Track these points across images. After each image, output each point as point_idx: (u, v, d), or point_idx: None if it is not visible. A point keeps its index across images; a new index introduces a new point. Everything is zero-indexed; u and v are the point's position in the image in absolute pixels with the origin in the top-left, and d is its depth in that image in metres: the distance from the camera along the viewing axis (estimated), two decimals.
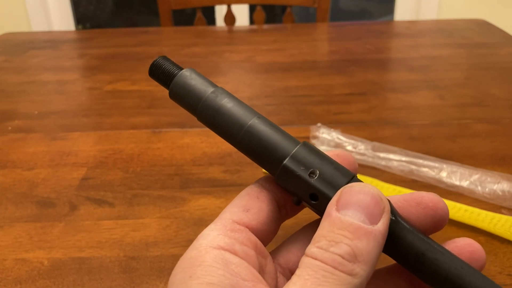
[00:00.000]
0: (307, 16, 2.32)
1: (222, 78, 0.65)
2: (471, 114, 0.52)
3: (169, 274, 0.31)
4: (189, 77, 0.17)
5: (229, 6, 1.04)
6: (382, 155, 0.42)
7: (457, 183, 0.38)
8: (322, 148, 0.44)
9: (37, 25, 1.78)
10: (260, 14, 1.03)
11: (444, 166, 0.40)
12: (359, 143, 0.44)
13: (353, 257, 0.13)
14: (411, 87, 0.60)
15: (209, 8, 1.73)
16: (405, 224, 0.15)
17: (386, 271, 0.17)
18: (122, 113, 0.55)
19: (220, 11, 1.77)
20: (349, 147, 0.44)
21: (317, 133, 0.46)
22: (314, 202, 0.15)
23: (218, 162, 0.44)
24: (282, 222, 0.17)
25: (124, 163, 0.44)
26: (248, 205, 0.16)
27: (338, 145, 0.44)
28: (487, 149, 0.45)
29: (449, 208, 0.35)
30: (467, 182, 0.38)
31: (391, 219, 0.15)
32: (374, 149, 0.43)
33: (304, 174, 0.15)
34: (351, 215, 0.14)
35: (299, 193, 0.15)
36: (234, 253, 0.14)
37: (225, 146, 0.47)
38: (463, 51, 0.73)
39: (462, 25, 0.86)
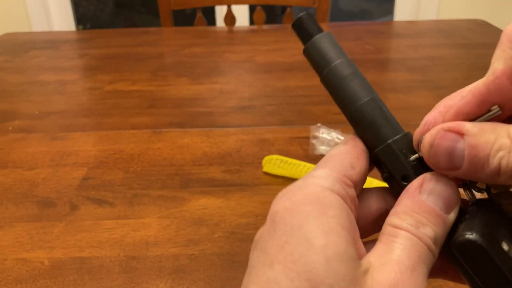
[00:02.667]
0: None
1: (222, 78, 0.65)
2: None
3: (169, 273, 0.31)
4: (325, 42, 0.18)
5: (229, 7, 1.04)
6: None
7: None
8: (322, 148, 0.44)
9: (38, 26, 1.78)
10: (260, 14, 1.03)
11: None
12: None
13: (434, 241, 0.15)
14: (410, 87, 0.60)
15: (209, 9, 1.74)
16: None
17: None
18: (123, 113, 0.55)
19: (220, 11, 1.77)
20: None
21: (317, 133, 0.46)
22: (404, 183, 0.17)
23: (218, 162, 0.44)
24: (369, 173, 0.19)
25: (124, 163, 0.44)
26: (353, 163, 0.17)
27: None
28: None
29: None
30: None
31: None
32: None
33: (403, 156, 0.17)
34: (433, 201, 0.15)
35: (393, 170, 0.17)
36: (348, 205, 0.15)
37: (225, 146, 0.47)
38: (462, 51, 0.73)
39: (462, 26, 0.86)
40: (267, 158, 0.42)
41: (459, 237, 0.15)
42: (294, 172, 0.41)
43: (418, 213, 0.15)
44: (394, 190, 0.17)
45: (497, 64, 0.16)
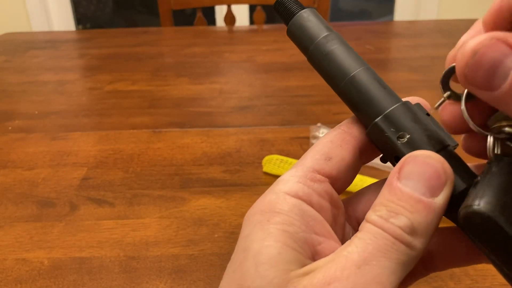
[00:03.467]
0: None
1: (222, 78, 0.65)
2: None
3: (169, 273, 0.31)
4: (306, 18, 0.17)
5: (229, 6, 1.04)
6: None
7: None
8: None
9: (37, 26, 1.78)
10: (260, 14, 1.03)
11: None
12: None
13: (412, 230, 0.13)
14: (411, 87, 0.60)
15: (209, 9, 1.74)
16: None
17: (445, 230, 0.17)
18: (122, 113, 0.55)
19: (220, 11, 1.77)
20: None
21: (317, 133, 0.46)
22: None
23: (218, 162, 0.44)
24: (361, 167, 0.17)
25: (124, 163, 0.44)
26: (331, 154, 0.16)
27: None
28: None
29: None
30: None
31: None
32: None
33: (393, 135, 0.15)
34: (412, 186, 0.13)
35: (385, 153, 0.16)
36: (311, 204, 0.14)
37: (225, 146, 0.47)
38: None
39: (462, 25, 0.86)
40: (267, 158, 0.42)
41: (464, 208, 0.13)
42: None
43: (393, 202, 0.13)
44: None
45: None
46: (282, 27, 0.92)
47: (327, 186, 0.15)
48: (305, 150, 0.46)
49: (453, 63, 0.14)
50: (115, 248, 0.33)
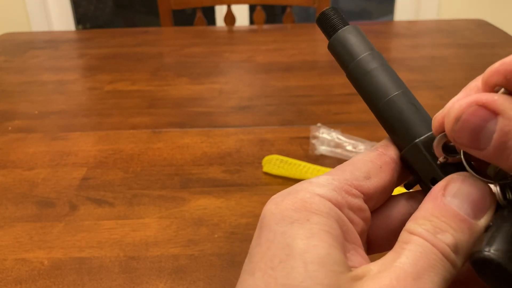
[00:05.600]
0: (307, 16, 2.32)
1: (222, 78, 0.65)
2: None
3: (169, 274, 0.31)
4: (351, 34, 0.17)
5: (229, 6, 1.04)
6: None
7: None
8: (322, 148, 0.44)
9: (37, 25, 1.78)
10: (260, 14, 1.03)
11: None
12: (359, 143, 0.44)
13: (456, 249, 0.13)
14: (411, 87, 0.59)
15: (209, 8, 1.73)
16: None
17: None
18: (122, 113, 0.55)
19: (220, 11, 1.77)
20: (349, 147, 0.44)
21: (317, 133, 0.46)
22: (432, 186, 0.15)
23: (218, 162, 0.44)
24: (393, 189, 0.17)
25: (124, 163, 0.44)
26: (371, 173, 0.16)
27: (338, 145, 0.44)
28: None
29: None
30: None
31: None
32: None
33: (431, 157, 0.15)
34: (458, 205, 0.14)
35: (421, 173, 0.16)
36: (345, 214, 0.15)
37: (225, 146, 0.47)
38: (463, 51, 0.73)
39: (462, 25, 0.86)
40: (267, 158, 0.42)
41: (476, 253, 0.13)
42: (294, 172, 0.41)
43: (438, 218, 0.13)
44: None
45: None
46: (282, 27, 0.91)
47: (360, 202, 0.15)
48: (305, 150, 0.46)
49: (439, 125, 0.15)
50: (115, 248, 0.33)
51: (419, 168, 0.16)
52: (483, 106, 0.13)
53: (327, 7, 0.18)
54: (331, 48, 0.18)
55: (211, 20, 1.80)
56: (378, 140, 0.45)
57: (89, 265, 0.32)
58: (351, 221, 0.15)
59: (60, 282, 0.31)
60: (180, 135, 0.49)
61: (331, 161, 0.43)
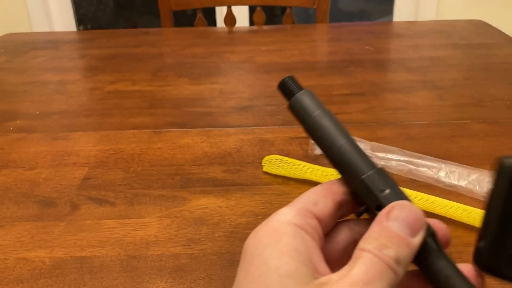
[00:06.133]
0: (307, 17, 2.32)
1: (223, 78, 0.66)
2: (470, 114, 0.52)
3: (170, 273, 0.31)
4: (305, 97, 0.22)
5: (229, 7, 1.04)
6: (381, 155, 0.42)
7: (456, 182, 0.38)
8: None
9: (38, 26, 1.78)
10: (260, 15, 1.03)
11: (443, 166, 0.40)
12: (358, 143, 0.44)
13: (397, 261, 0.17)
14: (410, 88, 0.60)
15: (209, 9, 1.74)
16: (436, 248, 0.19)
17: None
18: (123, 113, 0.55)
19: (221, 12, 1.77)
20: None
21: None
22: (378, 212, 0.19)
23: (218, 162, 0.44)
24: (337, 220, 0.21)
25: (125, 163, 0.44)
26: (317, 201, 0.20)
27: None
28: (486, 149, 0.45)
29: (448, 208, 0.35)
30: (466, 181, 0.38)
31: (431, 245, 0.18)
32: (373, 149, 0.43)
33: (376, 189, 0.19)
34: (398, 227, 0.17)
35: (368, 202, 0.19)
36: (307, 232, 0.18)
37: (225, 146, 0.47)
38: (461, 51, 0.73)
39: (461, 26, 0.86)
40: (267, 158, 0.42)
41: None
42: (294, 172, 0.41)
43: (383, 237, 0.17)
44: (372, 220, 0.19)
45: None
46: (282, 27, 0.92)
47: (316, 222, 0.19)
48: (304, 150, 0.46)
49: None
50: (116, 247, 0.34)
51: (366, 199, 0.19)
52: None
53: (286, 76, 0.22)
54: (291, 108, 0.22)
55: (211, 21, 1.80)
56: (377, 140, 0.45)
57: (90, 264, 0.32)
58: (313, 239, 0.18)
59: (61, 281, 0.31)
60: (181, 135, 0.50)
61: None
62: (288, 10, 1.02)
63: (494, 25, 0.85)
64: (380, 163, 0.42)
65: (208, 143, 0.48)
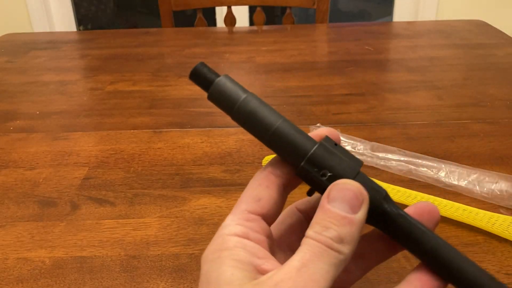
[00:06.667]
0: (307, 17, 2.32)
1: None
2: (469, 114, 0.52)
3: (170, 273, 0.31)
4: (226, 83, 0.20)
5: (229, 8, 1.04)
6: (381, 155, 0.42)
7: (455, 182, 0.38)
8: None
9: (39, 26, 1.79)
10: (260, 15, 1.03)
11: (443, 166, 0.40)
12: (358, 143, 0.44)
13: (340, 240, 0.17)
14: (409, 88, 0.60)
15: (209, 10, 1.74)
16: (395, 210, 0.19)
17: (368, 235, 0.22)
18: (123, 113, 0.55)
19: (221, 12, 1.77)
20: (348, 147, 0.44)
21: None
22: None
23: (219, 162, 0.44)
24: (287, 196, 0.21)
25: (125, 163, 0.45)
26: (260, 195, 0.19)
27: None
28: (485, 149, 0.45)
29: (448, 208, 0.35)
30: (465, 181, 0.38)
31: (388, 207, 0.19)
32: (373, 149, 0.43)
33: (317, 174, 0.19)
34: (338, 207, 0.18)
35: (314, 187, 0.19)
36: (249, 239, 0.18)
37: (225, 146, 0.47)
38: (461, 51, 0.73)
39: (461, 26, 0.86)
40: (267, 158, 0.42)
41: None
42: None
43: (325, 220, 0.17)
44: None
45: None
46: (282, 28, 0.92)
47: (260, 223, 0.19)
48: None
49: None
50: (116, 247, 0.34)
51: (311, 184, 0.19)
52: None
53: (198, 64, 0.20)
54: (212, 97, 0.20)
55: (211, 21, 1.81)
56: (377, 140, 0.45)
57: (90, 264, 0.32)
58: (258, 242, 0.18)
59: (61, 281, 0.31)
60: (181, 135, 0.50)
61: None
62: (288, 10, 1.02)
63: (494, 25, 0.85)
64: (380, 163, 0.42)
65: (208, 143, 0.48)
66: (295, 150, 0.19)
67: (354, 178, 0.19)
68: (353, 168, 0.19)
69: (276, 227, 0.22)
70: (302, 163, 0.19)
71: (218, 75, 0.20)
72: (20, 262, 0.33)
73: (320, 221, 0.17)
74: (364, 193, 0.18)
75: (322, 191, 0.19)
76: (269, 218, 0.20)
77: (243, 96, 0.19)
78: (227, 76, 0.20)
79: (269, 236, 0.19)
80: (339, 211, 0.17)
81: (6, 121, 0.54)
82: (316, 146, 0.19)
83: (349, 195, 0.18)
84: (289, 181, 0.20)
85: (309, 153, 0.19)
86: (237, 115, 0.19)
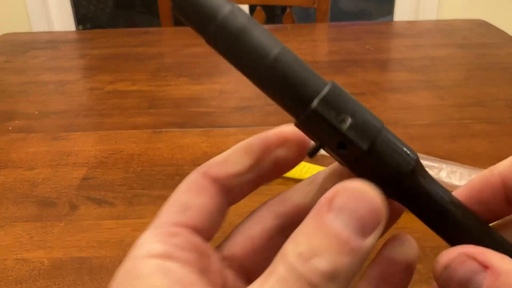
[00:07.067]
0: (307, 17, 2.32)
1: (222, 78, 0.65)
2: (471, 114, 0.52)
3: None
4: None
5: None
6: None
7: (457, 183, 0.38)
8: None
9: (38, 26, 1.78)
10: (260, 14, 1.03)
11: (444, 166, 0.40)
12: None
13: (331, 276, 0.11)
14: (410, 87, 0.60)
15: None
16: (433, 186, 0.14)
17: None
18: (123, 113, 0.55)
19: None
20: None
21: None
22: (342, 152, 0.14)
23: None
24: (229, 207, 0.16)
25: (124, 163, 0.44)
26: (188, 203, 0.15)
27: None
28: (487, 149, 0.45)
29: None
30: (467, 182, 0.38)
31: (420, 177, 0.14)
32: None
33: (335, 120, 0.13)
34: (342, 223, 0.12)
35: (325, 140, 0.14)
36: (174, 259, 0.13)
37: (225, 146, 0.47)
38: (462, 51, 0.73)
39: (462, 26, 0.86)
40: None
41: None
42: (294, 172, 0.41)
43: (317, 238, 0.12)
44: (345, 161, 0.14)
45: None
46: (282, 27, 0.92)
47: (189, 237, 0.14)
48: None
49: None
50: (115, 248, 0.33)
51: (321, 135, 0.14)
52: (473, 258, 0.13)
53: None
54: (179, 7, 0.13)
55: None
56: None
57: (89, 265, 0.32)
58: (187, 261, 0.13)
59: (60, 281, 0.31)
60: (181, 135, 0.49)
61: (331, 161, 0.43)
62: (288, 10, 1.02)
63: (495, 24, 0.85)
64: None
65: (208, 143, 0.47)
66: (304, 87, 0.14)
67: (379, 134, 0.14)
68: (377, 121, 0.14)
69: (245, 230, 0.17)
70: (315, 104, 0.13)
71: None
72: (19, 262, 0.32)
73: (310, 238, 0.12)
74: (384, 209, 0.12)
75: (335, 147, 0.14)
76: (204, 231, 0.15)
77: (228, 6, 0.13)
78: None
79: (203, 252, 0.14)
80: (342, 230, 0.12)
81: (4, 121, 0.54)
82: (331, 83, 0.14)
83: (363, 209, 0.12)
84: (231, 187, 0.16)
85: (326, 90, 0.13)
86: (216, 36, 0.13)
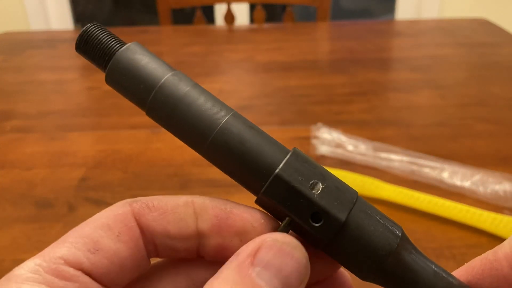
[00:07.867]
0: (308, 15, 2.31)
1: (222, 77, 0.65)
2: (473, 114, 0.51)
3: None
4: (137, 54, 0.12)
5: (229, 5, 1.03)
6: (383, 155, 0.42)
7: (459, 183, 0.38)
8: (323, 149, 0.44)
9: (36, 25, 1.78)
10: (260, 13, 1.03)
11: (446, 166, 0.39)
12: (360, 143, 0.43)
13: None
14: (412, 87, 0.59)
15: (208, 7, 1.73)
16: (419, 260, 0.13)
17: None
18: (121, 113, 0.55)
19: (220, 10, 1.76)
20: (350, 147, 0.43)
21: (317, 133, 0.45)
22: (316, 225, 0.12)
23: None
24: (149, 263, 0.13)
25: (123, 163, 0.44)
26: (99, 244, 0.12)
27: (338, 145, 0.44)
28: (489, 149, 0.44)
29: (451, 209, 0.34)
30: (469, 182, 0.38)
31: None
32: (375, 149, 0.42)
33: (303, 186, 0.12)
34: (267, 280, 0.11)
35: (295, 212, 0.12)
36: None
37: None
38: (464, 50, 0.72)
39: (464, 24, 0.85)
40: None
41: None
42: None
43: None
44: (319, 237, 0.12)
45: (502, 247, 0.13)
46: (283, 26, 0.91)
47: (84, 285, 0.11)
48: (305, 150, 0.46)
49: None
50: None
51: (290, 207, 0.12)
52: None
53: (88, 24, 0.12)
54: (111, 80, 0.13)
55: (210, 19, 1.80)
56: (379, 140, 0.44)
57: None
58: None
59: None
60: None
61: (332, 162, 0.42)
62: (288, 8, 1.02)
63: (498, 23, 0.85)
64: (383, 163, 0.41)
65: None
66: (262, 156, 0.12)
67: (357, 201, 0.12)
68: (352, 189, 0.12)
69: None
70: (278, 169, 0.12)
71: (123, 42, 0.13)
72: (16, 264, 0.32)
73: (233, 286, 0.11)
74: (309, 268, 0.11)
75: (308, 218, 0.12)
76: (108, 283, 0.12)
77: (167, 74, 0.12)
78: (138, 44, 0.13)
79: None
80: (266, 286, 0.11)
81: (2, 121, 0.54)
82: (294, 149, 0.13)
83: (289, 268, 0.11)
84: (162, 245, 0.13)
85: (289, 154, 0.12)
86: (158, 104, 0.12)
